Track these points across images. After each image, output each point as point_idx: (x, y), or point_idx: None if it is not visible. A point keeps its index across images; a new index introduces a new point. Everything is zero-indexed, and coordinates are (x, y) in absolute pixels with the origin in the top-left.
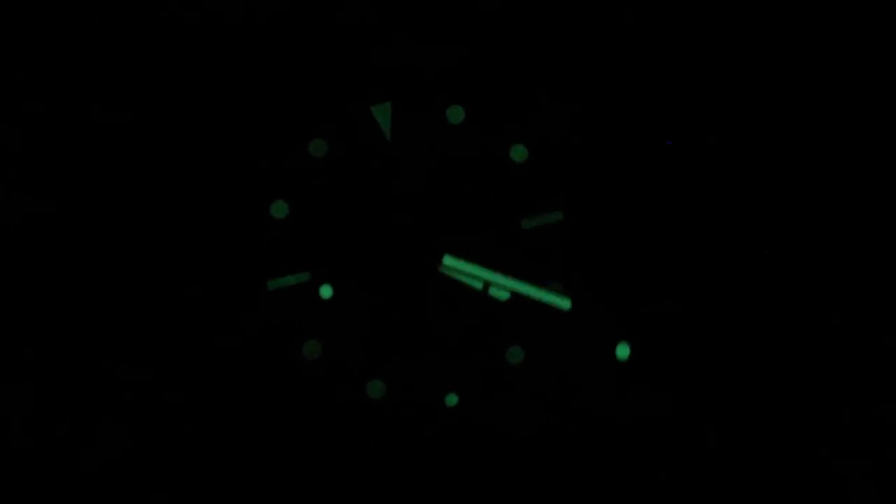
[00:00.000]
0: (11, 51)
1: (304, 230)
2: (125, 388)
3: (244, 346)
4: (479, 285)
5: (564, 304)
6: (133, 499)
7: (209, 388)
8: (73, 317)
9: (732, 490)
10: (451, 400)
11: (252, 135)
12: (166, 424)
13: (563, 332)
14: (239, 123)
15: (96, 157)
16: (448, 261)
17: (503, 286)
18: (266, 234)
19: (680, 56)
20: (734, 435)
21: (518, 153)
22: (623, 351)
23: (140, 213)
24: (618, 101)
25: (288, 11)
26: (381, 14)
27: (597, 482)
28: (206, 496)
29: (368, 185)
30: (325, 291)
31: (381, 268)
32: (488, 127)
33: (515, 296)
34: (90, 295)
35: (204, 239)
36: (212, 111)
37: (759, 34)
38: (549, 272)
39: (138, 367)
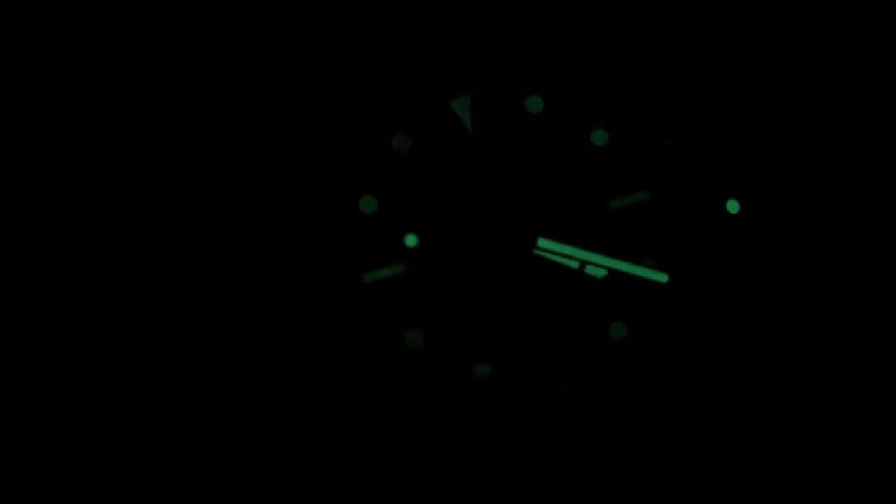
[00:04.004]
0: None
1: (395, 223)
2: (215, 389)
3: (347, 339)
4: (574, 265)
5: (661, 278)
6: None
7: (314, 383)
8: (170, 311)
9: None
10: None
11: (336, 135)
12: (268, 422)
13: (664, 305)
14: (323, 126)
15: (184, 159)
16: (543, 243)
17: (599, 264)
18: (357, 229)
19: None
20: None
21: (599, 137)
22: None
23: (234, 216)
24: (688, 81)
25: (363, 14)
26: (455, 13)
27: (705, 447)
28: (320, 487)
29: (454, 177)
30: (411, 240)
31: (475, 254)
32: (567, 114)
33: (612, 273)
34: (187, 292)
35: (296, 237)
36: (294, 116)
37: (766, 31)
38: (641, 249)
39: (235, 369)
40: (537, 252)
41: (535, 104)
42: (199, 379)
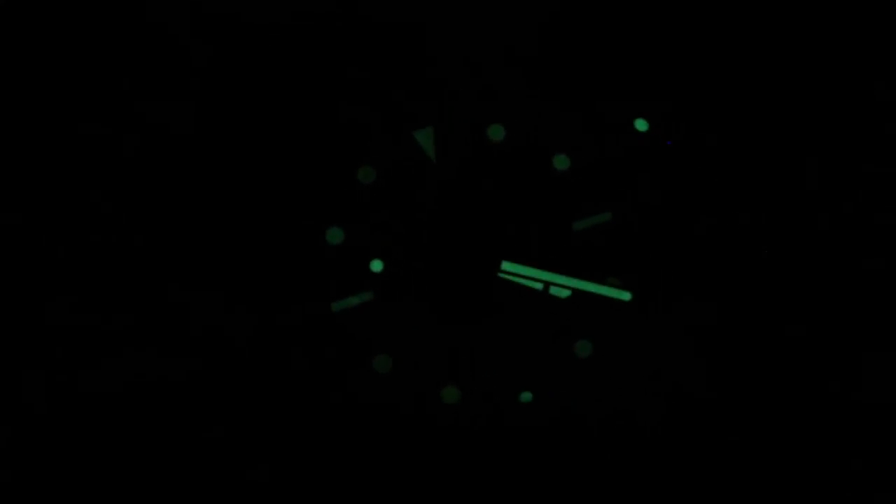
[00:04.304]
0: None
1: (362, 253)
2: (194, 418)
3: (317, 367)
4: (539, 286)
5: (624, 296)
6: None
7: (285, 410)
8: (156, 345)
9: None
10: (526, 397)
11: (302, 167)
12: (241, 448)
13: (627, 322)
14: (288, 159)
15: (164, 195)
16: (507, 266)
17: (562, 285)
18: (324, 260)
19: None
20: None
21: (560, 162)
22: None
23: (202, 247)
24: (647, 105)
25: (327, 47)
26: (416, 46)
27: (676, 461)
28: None
29: (420, 205)
30: (376, 265)
31: (441, 279)
32: (528, 141)
33: (575, 293)
34: (166, 327)
35: (264, 268)
36: (260, 149)
37: (761, 34)
38: (604, 269)
39: (212, 393)
40: (502, 275)
41: (496, 132)
42: (197, 379)
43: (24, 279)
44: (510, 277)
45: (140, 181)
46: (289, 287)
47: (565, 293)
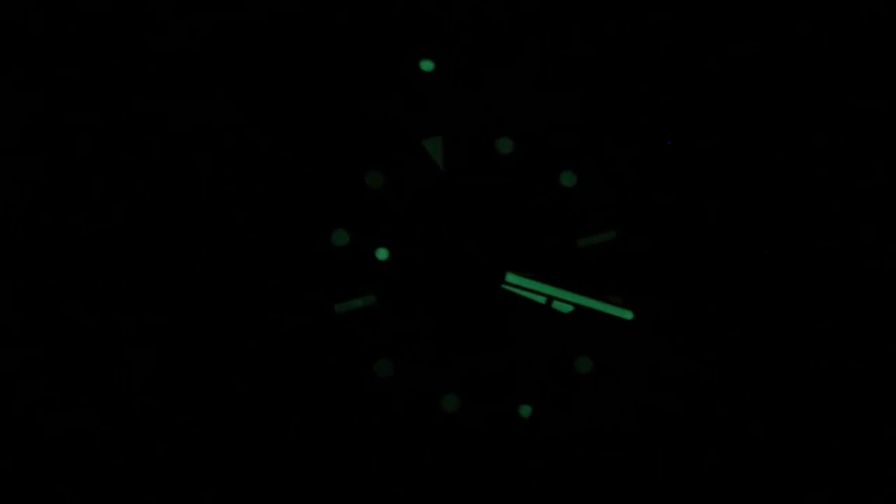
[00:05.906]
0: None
1: (366, 257)
2: (198, 419)
3: (318, 368)
4: (542, 300)
5: (626, 315)
6: None
7: (285, 410)
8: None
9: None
10: (525, 411)
11: (311, 170)
12: (244, 449)
13: (628, 340)
14: (297, 160)
15: (167, 194)
16: (511, 277)
17: (565, 300)
18: (329, 262)
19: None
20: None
21: (567, 178)
22: None
23: (207, 246)
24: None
25: (337, 56)
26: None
27: (672, 479)
28: None
29: (426, 213)
30: (381, 254)
31: (445, 287)
32: (537, 156)
33: (578, 309)
34: (167, 328)
35: (269, 269)
36: (268, 150)
37: (758, 35)
38: (607, 287)
39: (213, 395)
40: (505, 287)
41: (505, 145)
42: (199, 378)
43: (22, 279)
44: (514, 290)
45: (141, 180)
46: (292, 288)
47: (568, 308)
